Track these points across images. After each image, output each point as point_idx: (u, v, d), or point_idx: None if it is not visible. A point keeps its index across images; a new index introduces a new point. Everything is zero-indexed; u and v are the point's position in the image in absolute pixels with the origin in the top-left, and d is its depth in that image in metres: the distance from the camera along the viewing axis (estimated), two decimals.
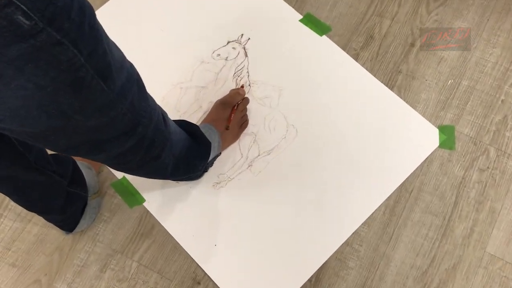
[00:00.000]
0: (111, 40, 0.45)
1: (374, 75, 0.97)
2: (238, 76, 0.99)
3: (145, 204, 0.90)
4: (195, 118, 0.95)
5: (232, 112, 0.90)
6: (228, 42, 1.02)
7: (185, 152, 0.71)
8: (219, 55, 1.01)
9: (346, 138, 0.92)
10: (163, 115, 0.61)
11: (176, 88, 0.99)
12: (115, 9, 1.08)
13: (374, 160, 0.90)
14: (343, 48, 1.00)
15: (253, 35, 1.03)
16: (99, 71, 0.41)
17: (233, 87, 0.97)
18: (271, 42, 1.02)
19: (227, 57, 1.01)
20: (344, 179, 0.89)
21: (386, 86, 0.96)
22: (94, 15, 0.40)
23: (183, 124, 0.75)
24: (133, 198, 0.91)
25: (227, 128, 0.87)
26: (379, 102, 0.95)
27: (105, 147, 0.52)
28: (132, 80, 0.48)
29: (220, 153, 0.88)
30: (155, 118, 0.56)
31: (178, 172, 0.74)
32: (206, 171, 0.89)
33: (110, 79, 0.43)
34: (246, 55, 1.01)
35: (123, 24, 1.05)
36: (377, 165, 0.89)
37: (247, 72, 0.99)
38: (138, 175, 0.71)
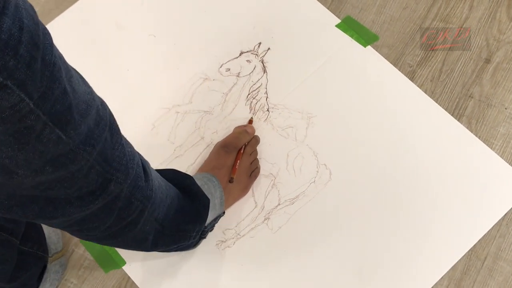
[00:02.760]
0: (75, 73, 0.49)
1: (436, 100, 1.04)
2: (253, 98, 1.07)
3: (125, 267, 0.96)
4: (195, 152, 1.03)
5: (237, 159, 0.95)
6: (241, 53, 1.11)
7: (173, 215, 0.73)
8: (228, 69, 1.09)
9: (396, 184, 0.98)
10: (144, 165, 0.64)
11: (170, 112, 1.07)
12: (90, 9, 1.18)
13: (434, 216, 0.95)
14: (395, 64, 1.08)
15: (274, 45, 1.11)
16: (55, 116, 0.44)
17: (246, 111, 1.05)
18: (298, 54, 1.10)
19: (239, 73, 1.09)
20: (394, 241, 0.94)
21: (452, 115, 1.03)
22: (51, 46, 0.43)
23: (171, 175, 0.78)
24: (110, 259, 0.97)
25: (230, 181, 0.92)
26: (442, 136, 1.01)
27: (63, 210, 0.54)
28: (103, 123, 0.52)
29: (224, 212, 0.93)
30: (133, 171, 0.59)
31: (164, 242, 0.76)
32: (204, 238, 0.93)
33: (70, 125, 0.46)
34: (264, 71, 1.09)
35: (100, 28, 1.15)
36: (439, 222, 0.95)
37: (266, 93, 1.07)
38: (108, 246, 0.75)
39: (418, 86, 1.06)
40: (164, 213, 0.71)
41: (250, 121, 1.04)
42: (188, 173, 0.95)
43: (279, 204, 0.98)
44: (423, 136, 1.01)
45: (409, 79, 1.06)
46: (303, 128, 1.04)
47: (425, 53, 1.09)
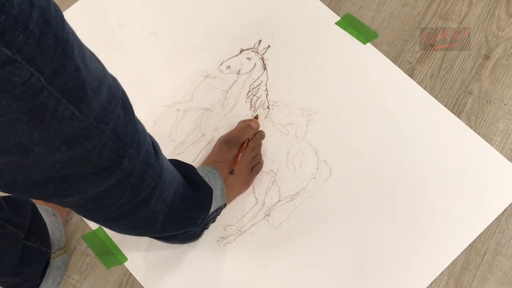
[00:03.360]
0: (88, 50, 0.49)
1: (435, 97, 1.05)
2: (254, 95, 1.08)
3: (127, 264, 0.98)
4: (196, 149, 1.04)
5: (239, 152, 0.96)
6: (242, 51, 1.12)
7: (179, 201, 0.75)
8: (229, 67, 1.10)
9: (396, 180, 0.99)
10: (154, 145, 0.65)
11: (171, 110, 1.08)
12: (92, 7, 1.19)
13: (434, 211, 0.96)
14: (394, 61, 1.09)
15: (274, 42, 1.12)
16: (68, 93, 0.44)
17: (247, 108, 1.07)
18: (298, 51, 1.11)
19: (239, 70, 1.10)
20: (394, 237, 0.95)
21: (451, 111, 1.04)
22: (63, 22, 0.43)
23: (174, 164, 0.79)
24: (112, 256, 0.99)
25: (231, 173, 0.93)
26: (441, 133, 1.02)
27: (78, 187, 0.55)
28: (115, 100, 0.52)
29: (225, 204, 0.94)
30: (144, 148, 0.59)
31: (171, 226, 0.78)
32: (207, 228, 0.95)
33: (84, 102, 0.46)
34: (264, 68, 1.10)
35: (102, 27, 1.17)
36: (439, 218, 0.96)
37: (266, 90, 1.08)
38: (118, 230, 0.76)
39: (417, 82, 1.07)
40: (172, 197, 0.72)
41: (256, 118, 1.05)
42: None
43: (279, 201, 0.99)
44: (422, 132, 1.02)
45: (409, 75, 1.07)
46: (303, 125, 1.05)
47: (424, 50, 1.10)
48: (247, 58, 1.10)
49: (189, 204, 0.79)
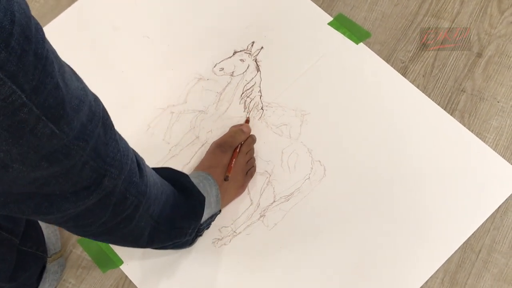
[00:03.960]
0: (68, 68, 0.49)
1: (429, 95, 1.06)
2: (248, 97, 1.08)
3: (122, 267, 0.98)
4: (190, 151, 1.05)
5: (233, 157, 0.96)
6: (235, 53, 1.12)
7: (168, 212, 0.75)
8: (222, 69, 1.11)
9: (390, 179, 1.00)
10: (138, 162, 0.65)
11: (165, 113, 1.09)
12: (85, 10, 1.20)
13: (428, 209, 0.97)
14: (387, 60, 1.10)
15: (267, 44, 1.13)
16: (48, 110, 0.44)
17: (241, 110, 1.07)
18: (291, 52, 1.12)
19: (232, 72, 1.11)
20: (389, 236, 0.96)
21: (445, 109, 1.05)
22: (43, 40, 0.43)
23: (166, 173, 0.79)
24: (107, 259, 0.99)
25: (225, 179, 0.93)
26: (435, 131, 1.03)
27: (58, 205, 0.55)
28: (95, 119, 0.52)
29: (220, 210, 0.94)
30: (127, 167, 0.59)
31: (159, 238, 0.77)
32: (200, 235, 0.94)
33: (63, 120, 0.46)
34: (258, 69, 1.11)
35: (95, 30, 1.17)
36: (433, 216, 0.96)
37: (259, 91, 1.09)
38: (105, 242, 0.76)
39: (410, 81, 1.07)
40: (159, 209, 0.72)
41: (247, 121, 1.05)
42: (184, 172, 0.97)
43: (274, 201, 0.99)
44: (416, 131, 1.03)
45: (402, 74, 1.08)
46: (297, 125, 1.05)
47: (417, 49, 1.11)
48: (241, 60, 1.11)
49: (180, 213, 0.79)
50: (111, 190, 0.58)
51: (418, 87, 1.07)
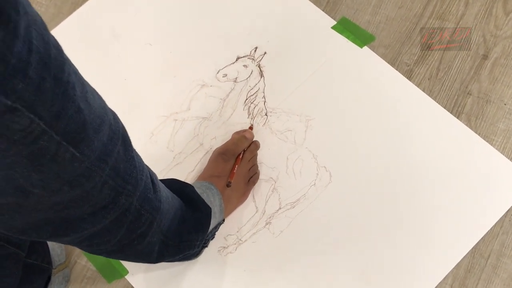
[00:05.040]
0: (90, 87, 0.49)
1: (434, 99, 1.06)
2: (251, 103, 1.09)
3: (127, 277, 0.98)
4: (194, 159, 1.05)
5: (235, 164, 0.96)
6: (238, 58, 1.13)
7: (176, 225, 0.75)
8: (225, 75, 1.11)
9: (397, 184, 1.00)
10: (152, 177, 0.65)
11: (168, 120, 1.09)
12: (86, 18, 1.21)
13: (436, 215, 0.97)
14: (392, 63, 1.10)
15: (271, 49, 1.13)
16: (69, 135, 0.44)
17: (244, 116, 1.08)
18: (294, 57, 1.12)
19: (236, 78, 1.11)
20: (397, 241, 0.96)
21: (451, 113, 1.05)
22: (63, 63, 0.42)
23: (172, 184, 0.79)
24: (112, 269, 0.99)
25: (228, 185, 0.93)
26: (442, 135, 1.03)
27: (76, 227, 0.55)
28: (115, 137, 0.52)
29: (223, 220, 0.94)
30: (142, 183, 0.59)
31: (168, 253, 0.77)
32: (206, 246, 0.94)
33: (84, 143, 0.46)
34: (261, 75, 1.11)
35: (98, 38, 1.18)
36: (441, 221, 0.97)
37: (263, 97, 1.09)
38: (116, 259, 0.76)
39: (416, 85, 1.08)
40: (168, 223, 0.72)
41: (251, 128, 1.05)
42: (188, 180, 1.00)
43: (280, 208, 1.00)
44: (422, 135, 1.03)
45: (407, 78, 1.08)
46: (301, 131, 1.05)
47: (422, 52, 1.11)
48: (244, 66, 1.12)
49: (187, 226, 0.79)
50: (127, 208, 0.58)
51: (423, 90, 1.07)
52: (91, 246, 0.63)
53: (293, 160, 1.03)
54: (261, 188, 1.01)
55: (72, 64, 0.45)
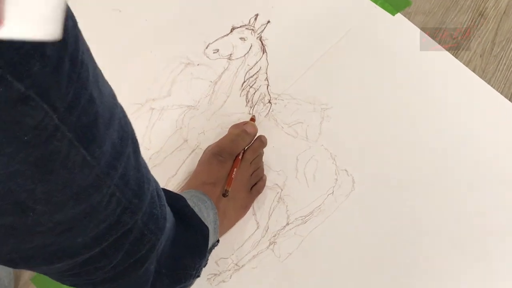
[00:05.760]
0: (99, 69, 0.47)
1: (488, 81, 1.04)
2: (251, 87, 1.05)
3: None
4: (177, 160, 1.01)
5: (233, 167, 0.94)
6: (233, 29, 1.09)
7: (169, 248, 0.73)
8: (217, 51, 1.07)
9: (441, 193, 0.97)
10: (157, 189, 0.64)
11: (143, 109, 1.04)
12: None
13: (497, 232, 0.94)
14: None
15: (275, 17, 1.09)
16: (81, 131, 0.42)
17: (242, 104, 1.04)
18: (306, 28, 1.08)
19: (230, 55, 1.07)
20: (438, 269, 0.92)
21: (509, 99, 1.03)
22: (77, 38, 0.41)
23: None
24: None
25: (224, 195, 0.90)
26: (497, 125, 1.01)
27: (71, 252, 0.54)
28: (125, 136, 0.51)
29: (218, 241, 0.91)
30: (148, 195, 0.58)
31: (161, 285, 0.75)
32: (198, 276, 0.90)
33: (96, 142, 0.45)
34: (263, 51, 1.07)
35: None
36: (505, 242, 0.94)
37: (266, 79, 1.05)
38: None
39: (464, 63, 1.05)
40: (161, 246, 0.70)
41: (252, 119, 1.03)
42: (168, 188, 0.96)
43: (287, 224, 0.97)
44: (473, 127, 1.02)
45: (453, 55, 1.06)
46: (316, 123, 1.03)
47: (472, 20, 1.08)
48: (241, 39, 1.08)
49: (181, 250, 0.76)
50: (130, 227, 0.56)
51: (474, 70, 1.05)
52: (79, 275, 0.59)
53: (305, 162, 1.00)
54: (263, 198, 0.99)
55: (84, 41, 0.43)
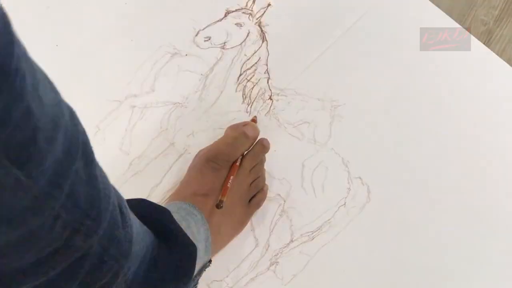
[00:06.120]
0: (40, 71, 0.46)
1: None
2: (248, 81, 1.03)
3: None
4: (162, 167, 0.99)
5: (230, 174, 0.92)
6: (228, 13, 1.06)
7: (145, 272, 0.71)
8: (208, 38, 1.04)
9: (473, 206, 0.96)
10: (121, 205, 0.61)
11: (122, 107, 1.02)
12: None
13: None
14: (461, 21, 1.05)
15: None
16: (14, 150, 0.41)
17: (238, 101, 1.02)
18: (313, 11, 1.07)
19: (225, 43, 1.05)
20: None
21: None
22: (12, 42, 0.40)
23: (141, 209, 0.77)
24: None
25: (218, 206, 0.89)
26: None
27: (11, 283, 0.53)
28: (74, 149, 0.49)
29: (210, 261, 0.90)
30: (107, 214, 0.55)
31: None
32: None
33: (33, 162, 0.43)
34: (263, 39, 1.05)
35: None
36: None
37: (266, 71, 1.03)
38: None
39: (497, 53, 1.04)
40: (134, 270, 0.68)
41: (254, 120, 1.02)
42: (151, 199, 0.97)
43: (292, 241, 0.96)
44: (507, 128, 1.01)
45: (484, 43, 1.05)
46: (325, 123, 1.01)
47: (506, 4, 1.05)
48: (237, 24, 1.06)
49: (161, 274, 0.75)
50: (85, 252, 0.54)
51: (509, 61, 1.03)
52: None
53: (313, 168, 0.99)
54: (264, 211, 0.97)
55: (21, 43, 0.40)
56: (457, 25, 1.05)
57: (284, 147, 0.99)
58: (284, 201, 0.97)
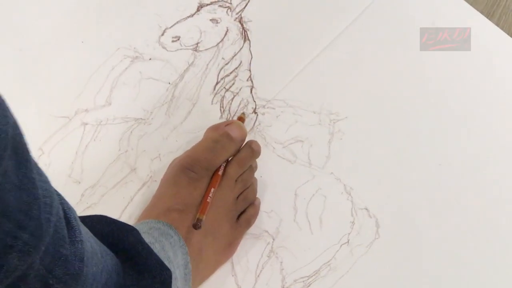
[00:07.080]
0: None
1: None
2: (227, 90, 1.05)
3: None
4: (120, 198, 0.99)
5: (211, 186, 0.92)
6: (201, 7, 1.08)
7: None
8: (177, 39, 1.06)
9: (497, 238, 0.98)
10: (66, 214, 0.60)
11: (72, 124, 1.02)
12: None
13: None
14: (487, 13, 1.09)
15: None
16: None
17: (215, 115, 1.04)
18: (306, 4, 1.09)
19: (197, 44, 1.06)
20: None
21: None
22: None
23: (101, 227, 0.78)
24: None
25: (196, 226, 0.88)
26: None
27: None
28: (1, 145, 0.48)
29: None
30: (50, 227, 0.55)
31: None
32: None
33: None
34: (245, 38, 1.06)
35: None
36: None
37: (249, 78, 1.05)
38: None
39: None
40: None
41: (240, 118, 1.02)
42: (129, 224, 0.96)
43: None
44: None
45: None
46: (323, 142, 1.02)
47: None
48: (212, 21, 1.07)
49: None
50: (22, 274, 0.53)
51: None
52: None
53: (308, 198, 1.00)
54: (247, 251, 0.98)
55: None
56: (486, 20, 1.07)
57: (272, 172, 1.00)
58: (273, 239, 0.97)
